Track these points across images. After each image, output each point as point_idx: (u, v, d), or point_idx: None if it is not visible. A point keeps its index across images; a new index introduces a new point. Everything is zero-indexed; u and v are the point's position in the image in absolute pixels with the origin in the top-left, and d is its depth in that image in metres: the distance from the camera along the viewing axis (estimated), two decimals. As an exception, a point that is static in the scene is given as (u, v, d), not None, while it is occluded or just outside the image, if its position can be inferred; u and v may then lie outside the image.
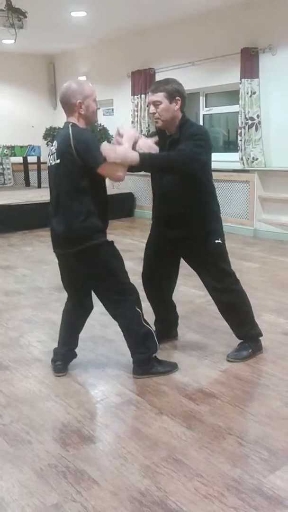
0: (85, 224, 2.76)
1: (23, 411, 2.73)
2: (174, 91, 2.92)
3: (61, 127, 2.90)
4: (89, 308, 3.14)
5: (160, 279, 3.34)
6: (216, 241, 3.09)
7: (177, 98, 2.93)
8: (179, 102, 2.94)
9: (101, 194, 2.86)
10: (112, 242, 2.90)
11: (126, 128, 2.96)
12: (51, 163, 2.85)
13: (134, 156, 2.73)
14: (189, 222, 3.07)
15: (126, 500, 2.04)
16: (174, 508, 1.99)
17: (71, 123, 2.79)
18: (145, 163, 2.77)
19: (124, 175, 2.76)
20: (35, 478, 2.19)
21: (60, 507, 2.01)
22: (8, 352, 3.49)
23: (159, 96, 2.93)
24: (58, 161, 2.75)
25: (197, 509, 1.99)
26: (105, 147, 2.69)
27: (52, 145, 2.87)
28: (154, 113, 2.98)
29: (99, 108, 2.90)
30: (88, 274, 2.92)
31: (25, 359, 3.37)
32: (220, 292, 3.20)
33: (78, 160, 2.67)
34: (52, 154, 2.83)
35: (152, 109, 2.98)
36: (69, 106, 2.81)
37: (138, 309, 2.93)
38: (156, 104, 2.95)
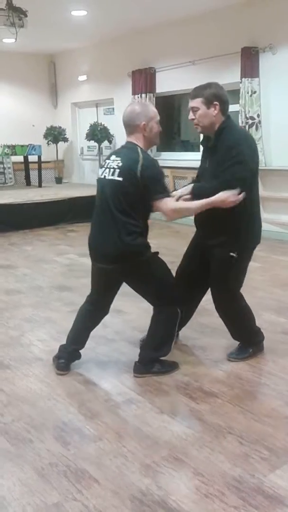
0: (137, 242, 2.83)
1: (24, 410, 2.74)
2: (211, 96, 2.87)
3: (123, 146, 2.94)
4: (106, 313, 3.20)
5: (193, 280, 3.25)
6: (231, 253, 2.98)
7: (215, 103, 2.87)
8: (217, 107, 2.88)
9: (148, 217, 2.94)
10: (157, 253, 2.98)
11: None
12: (105, 176, 2.87)
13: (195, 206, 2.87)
14: (220, 231, 2.99)
15: (127, 499, 2.05)
16: (175, 507, 2.00)
17: (139, 147, 2.83)
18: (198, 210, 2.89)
19: (176, 218, 2.91)
20: (36, 477, 2.20)
21: (61, 506, 2.02)
22: (9, 351, 3.49)
23: (197, 102, 2.90)
24: (120, 178, 2.78)
25: (198, 508, 1.99)
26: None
27: (108, 159, 2.89)
28: (193, 119, 2.95)
29: (161, 131, 2.94)
30: (137, 284, 2.99)
31: (26, 358, 3.38)
32: (217, 304, 3.19)
33: (140, 186, 2.74)
34: (110, 168, 2.84)
35: (190, 115, 2.96)
36: (132, 128, 2.86)
37: (179, 310, 3.02)
38: (194, 110, 2.92)
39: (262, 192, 7.07)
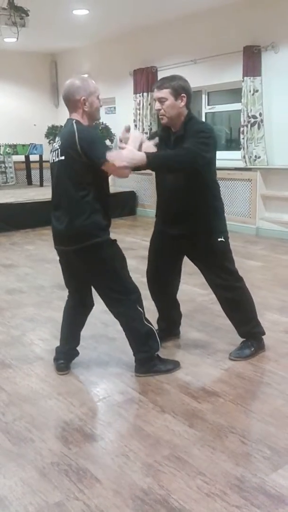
0: (89, 221, 2.75)
1: (25, 409, 2.74)
2: (179, 88, 2.91)
3: (64, 124, 2.88)
4: (89, 306, 3.14)
5: (164, 277, 3.34)
6: (219, 239, 3.07)
7: (182, 95, 2.91)
8: (184, 99, 2.92)
9: (104, 192, 2.85)
10: (115, 241, 2.89)
11: (132, 131, 2.95)
12: (53, 160, 2.84)
13: (141, 157, 2.72)
14: (192, 220, 3.06)
15: (129, 498, 2.04)
16: (177, 507, 1.99)
17: (74, 120, 2.78)
18: (151, 163, 2.77)
19: (129, 171, 2.72)
20: (38, 476, 2.19)
21: (63, 505, 2.01)
22: (10, 351, 3.49)
23: (165, 92, 2.92)
24: (62, 157, 2.74)
25: (200, 507, 1.99)
26: (111, 153, 2.67)
27: (55, 142, 2.86)
28: (159, 110, 2.97)
29: (101, 106, 2.89)
30: (90, 271, 2.92)
31: (28, 357, 3.38)
32: (223, 289, 3.19)
33: (82, 156, 2.66)
34: (55, 150, 2.81)
35: (157, 105, 2.97)
36: (72, 103, 2.80)
37: (139, 308, 2.93)
38: (161, 100, 2.94)
39: (264, 191, 7.12)
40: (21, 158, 9.99)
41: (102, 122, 9.61)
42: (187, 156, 2.82)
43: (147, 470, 2.21)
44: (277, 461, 2.26)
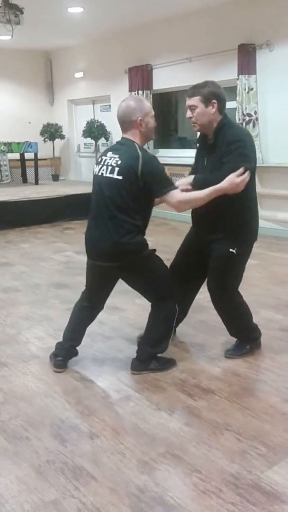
0: (134, 240, 2.81)
1: (21, 407, 2.74)
2: (209, 94, 2.87)
3: (119, 142, 2.91)
4: (101, 309, 3.20)
5: (187, 276, 3.26)
6: (230, 249, 2.97)
7: (213, 101, 2.87)
8: (215, 105, 2.88)
9: (147, 214, 2.93)
10: (154, 250, 2.96)
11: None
12: (102, 173, 2.84)
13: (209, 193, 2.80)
14: (218, 227, 2.99)
15: (125, 495, 2.05)
16: (172, 504, 2.00)
17: (135, 142, 2.82)
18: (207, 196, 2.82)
19: (185, 209, 2.86)
20: (34, 474, 2.19)
21: (59, 503, 2.02)
22: (5, 349, 3.48)
23: (195, 100, 2.89)
24: (119, 177, 2.75)
25: (195, 504, 1.99)
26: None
27: (106, 156, 2.86)
28: (190, 118, 2.94)
29: (155, 125, 2.92)
30: (134, 280, 3.00)
31: (23, 356, 3.37)
32: (215, 301, 3.18)
33: (140, 182, 2.72)
34: (108, 165, 2.81)
35: (188, 113, 2.95)
36: (129, 123, 2.84)
37: (177, 307, 3.03)
38: (192, 108, 2.92)
39: (259, 189, 7.07)
40: (16, 156, 9.96)
41: (97, 120, 9.60)
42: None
43: (142, 468, 2.22)
44: (272, 458, 2.27)
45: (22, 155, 9.95)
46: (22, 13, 6.23)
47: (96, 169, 2.91)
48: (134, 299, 3.99)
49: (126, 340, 3.55)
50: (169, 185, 2.78)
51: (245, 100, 6.93)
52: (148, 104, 2.89)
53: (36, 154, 9.76)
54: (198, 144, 3.20)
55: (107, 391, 2.90)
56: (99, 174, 2.87)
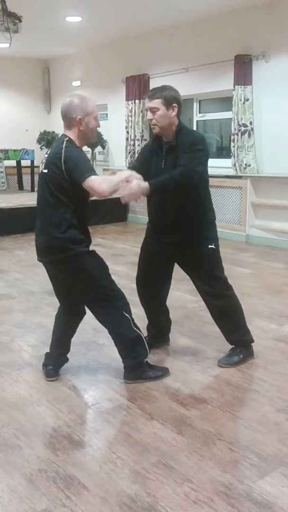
0: (66, 235, 2.77)
1: (13, 415, 2.72)
2: (171, 98, 2.95)
3: (57, 132, 2.91)
4: (81, 313, 3.14)
5: (153, 284, 3.35)
6: (210, 246, 3.11)
7: (174, 104, 2.95)
8: (175, 109, 2.96)
9: (82, 209, 2.86)
10: (93, 251, 2.90)
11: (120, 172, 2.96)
12: (41, 170, 2.87)
13: (146, 187, 2.84)
14: (183, 228, 3.09)
15: (116, 505, 2.04)
16: (164, 514, 1.99)
17: (67, 138, 2.79)
18: (156, 189, 2.87)
19: (108, 191, 2.70)
20: (25, 483, 2.18)
21: (50, 512, 2.01)
22: (-1, 356, 3.47)
23: (157, 102, 2.95)
24: (45, 170, 2.78)
25: (187, 514, 1.99)
26: (125, 188, 2.78)
27: (46, 154, 2.87)
28: (151, 120, 3.00)
29: (99, 126, 2.91)
30: (70, 283, 2.95)
31: (16, 364, 3.36)
32: (212, 297, 3.21)
33: (65, 174, 2.70)
34: (43, 162, 2.86)
35: (149, 115, 3.00)
36: (68, 120, 2.82)
37: (126, 314, 2.93)
38: (153, 110, 2.97)
39: (254, 198, 7.17)
40: (13, 163, 9.98)
41: (94, 128, 9.62)
42: (183, 177, 2.88)
43: (134, 477, 2.21)
44: (264, 468, 2.26)
45: (18, 162, 9.96)
46: (20, 21, 6.25)
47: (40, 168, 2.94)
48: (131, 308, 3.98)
49: (120, 349, 3.54)
50: (90, 171, 2.68)
51: (240, 111, 6.98)
52: (92, 105, 2.82)
53: (32, 162, 9.79)
54: (149, 145, 3.22)
55: (100, 400, 2.89)
56: (40, 171, 2.90)
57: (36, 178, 10.16)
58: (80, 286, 2.92)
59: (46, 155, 2.84)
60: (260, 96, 6.96)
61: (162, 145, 3.07)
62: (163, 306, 3.50)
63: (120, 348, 3.02)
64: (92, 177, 2.64)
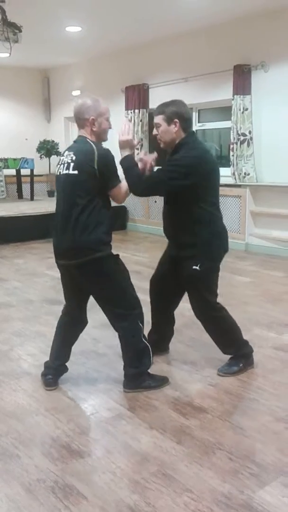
0: (92, 236, 2.79)
1: (12, 425, 2.71)
2: (172, 113, 2.96)
3: (75, 140, 2.95)
4: (85, 323, 3.15)
5: (167, 289, 3.32)
6: (194, 267, 3.00)
7: (175, 120, 2.95)
8: (177, 124, 2.96)
9: (108, 209, 2.90)
10: (117, 255, 2.92)
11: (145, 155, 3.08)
12: (60, 172, 2.87)
13: (130, 148, 2.93)
14: (179, 243, 3.10)
15: (115, 515, 2.03)
16: (163, 524, 1.98)
17: (88, 138, 2.84)
18: (121, 161, 2.93)
19: (125, 197, 2.92)
20: (24, 493, 2.17)
21: (48, 522, 1.99)
22: (-2, 365, 3.46)
23: (159, 118, 3.00)
24: (75, 172, 2.77)
25: (186, 525, 1.97)
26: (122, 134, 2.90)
27: (63, 155, 2.88)
28: (156, 135, 3.04)
29: (111, 128, 2.95)
30: (93, 286, 2.93)
31: (15, 373, 3.35)
32: (200, 320, 3.23)
33: (97, 175, 2.74)
34: (64, 164, 2.84)
35: (154, 131, 3.06)
36: (81, 121, 2.87)
37: (140, 323, 2.96)
38: (157, 126, 3.02)
39: (253, 207, 7.19)
40: (12, 172, 10.01)
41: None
42: (141, 181, 2.89)
43: (134, 487, 2.20)
44: (264, 478, 2.25)
45: (18, 171, 9.99)
46: (20, 31, 6.30)
47: (56, 170, 2.93)
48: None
49: (120, 357, 3.50)
50: (118, 179, 2.84)
51: (240, 120, 7.02)
52: (104, 106, 2.88)
53: (32, 170, 9.81)
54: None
55: (99, 410, 2.88)
56: (58, 173, 2.90)
57: (37, 186, 10.33)
58: (102, 291, 2.92)
59: (67, 157, 2.83)
60: (259, 105, 6.99)
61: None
62: (170, 315, 3.48)
63: (126, 355, 3.03)
64: (120, 185, 2.82)
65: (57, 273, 5.13)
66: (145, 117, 8.54)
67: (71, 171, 2.78)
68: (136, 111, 8.60)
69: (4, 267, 6.41)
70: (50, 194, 10.80)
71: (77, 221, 2.78)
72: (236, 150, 7.09)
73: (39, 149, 10.35)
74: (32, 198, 9.96)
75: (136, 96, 8.59)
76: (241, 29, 7.02)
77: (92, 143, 2.81)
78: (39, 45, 8.26)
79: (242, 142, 7.05)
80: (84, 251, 2.79)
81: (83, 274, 2.88)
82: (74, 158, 2.80)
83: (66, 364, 3.17)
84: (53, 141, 10.45)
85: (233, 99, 7.07)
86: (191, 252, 3.03)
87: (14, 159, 9.66)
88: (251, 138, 7.04)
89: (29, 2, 6.09)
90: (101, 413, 2.84)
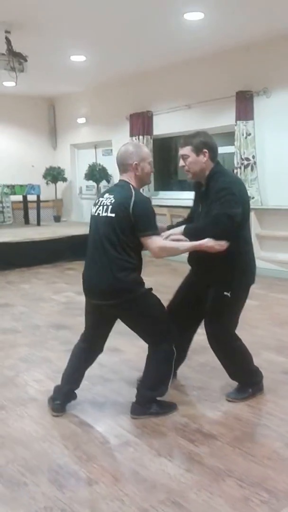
0: (130, 278, 2.85)
1: (18, 452, 2.68)
2: (200, 144, 2.99)
3: (116, 184, 3.02)
4: (101, 351, 3.17)
5: (185, 316, 3.26)
6: (225, 293, 3.01)
7: (204, 150, 2.98)
8: (206, 154, 2.99)
9: (140, 252, 2.96)
10: (151, 289, 2.98)
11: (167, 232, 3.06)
12: (98, 213, 2.92)
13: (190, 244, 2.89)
14: (214, 270, 3.04)
15: None
16: None
17: (131, 185, 2.91)
18: (187, 233, 2.92)
19: (161, 255, 2.87)
20: (30, 522, 2.13)
21: None
22: (3, 392, 3.43)
23: (187, 150, 3.01)
24: (112, 215, 2.83)
25: None
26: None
27: (103, 197, 2.95)
28: (183, 166, 3.06)
29: (153, 171, 3.04)
30: (128, 321, 2.99)
31: (21, 399, 3.32)
32: (213, 347, 3.18)
33: (132, 219, 2.79)
34: (103, 205, 2.90)
35: (181, 163, 3.07)
36: (125, 166, 2.96)
37: (174, 348, 3.00)
38: (184, 157, 3.03)
39: (259, 230, 7.19)
40: (19, 198, 10.10)
41: (99, 164, 9.79)
42: (217, 225, 2.87)
43: (142, 516, 2.15)
44: (275, 505, 2.20)
45: (24, 197, 10.09)
46: (26, 61, 6.44)
47: (94, 210, 2.99)
48: (135, 341, 3.93)
49: (127, 383, 3.50)
50: (154, 229, 2.85)
51: (243, 145, 7.08)
52: (146, 150, 3.00)
53: (38, 196, 9.90)
54: (194, 191, 3.28)
55: (106, 436, 2.84)
56: (96, 214, 2.95)
57: (44, 212, 10.40)
58: (139, 324, 2.99)
59: (106, 199, 2.89)
60: (261, 130, 7.07)
61: (201, 190, 3.11)
62: (186, 342, 3.42)
63: (149, 375, 3.03)
64: (153, 237, 2.81)
65: (63, 298, 5.13)
66: (149, 143, 8.64)
67: (109, 213, 2.85)
68: (141, 137, 8.71)
69: (10, 292, 6.41)
70: (57, 219, 10.89)
71: (114, 262, 2.83)
72: (240, 174, 7.14)
73: (45, 176, 10.48)
74: (38, 224, 10.03)
75: (140, 123, 8.71)
76: (243, 56, 7.15)
77: (132, 189, 2.88)
78: (45, 74, 8.42)
79: (246, 167, 7.11)
80: (122, 292, 2.84)
81: (119, 312, 2.96)
82: (113, 201, 2.87)
83: (76, 391, 3.14)
84: (59, 168, 10.58)
85: (236, 125, 7.15)
86: (225, 278, 3.02)
87: (21, 186, 9.77)
88: (254, 163, 7.10)
89: (34, 32, 6.23)
90: (109, 440, 2.80)
